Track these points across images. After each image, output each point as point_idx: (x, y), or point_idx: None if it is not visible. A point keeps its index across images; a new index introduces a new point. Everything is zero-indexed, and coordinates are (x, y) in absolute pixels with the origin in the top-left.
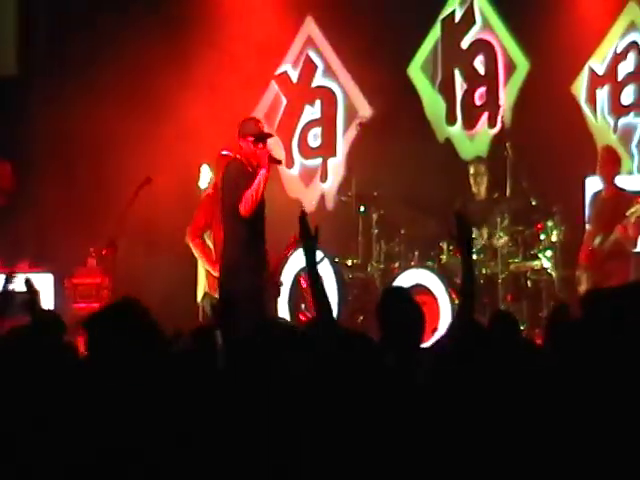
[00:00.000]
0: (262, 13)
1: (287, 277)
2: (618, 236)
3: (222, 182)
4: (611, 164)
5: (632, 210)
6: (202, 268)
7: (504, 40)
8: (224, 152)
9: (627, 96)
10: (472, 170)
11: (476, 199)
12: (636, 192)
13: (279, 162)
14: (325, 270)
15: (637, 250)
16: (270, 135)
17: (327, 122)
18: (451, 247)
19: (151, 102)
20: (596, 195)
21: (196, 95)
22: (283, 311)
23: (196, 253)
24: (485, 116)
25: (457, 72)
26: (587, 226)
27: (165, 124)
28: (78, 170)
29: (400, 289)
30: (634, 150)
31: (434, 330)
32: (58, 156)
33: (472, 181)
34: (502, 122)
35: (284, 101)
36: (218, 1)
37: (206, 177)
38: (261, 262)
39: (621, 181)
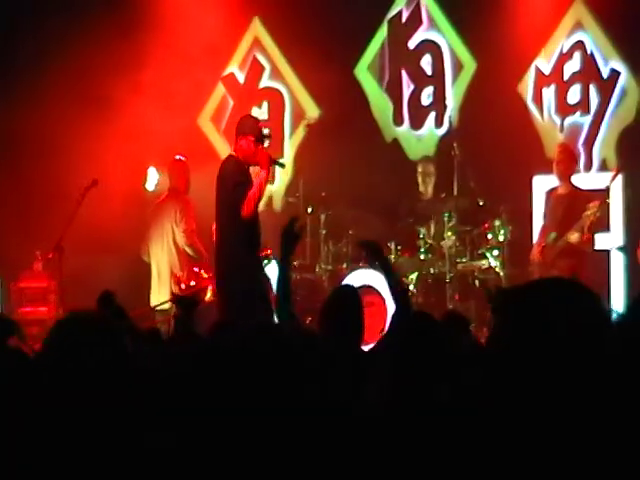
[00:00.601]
0: (210, 14)
1: None
2: (574, 241)
3: (219, 181)
4: (567, 162)
5: (587, 213)
6: (167, 272)
7: (451, 40)
8: (178, 157)
9: (573, 95)
10: (420, 169)
11: (423, 198)
12: (592, 191)
13: (282, 165)
14: (272, 271)
15: (592, 250)
16: (270, 137)
17: (274, 123)
18: (399, 247)
19: (99, 104)
20: (550, 192)
21: (144, 96)
22: None
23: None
24: (432, 116)
25: (404, 72)
26: (541, 222)
27: (113, 126)
28: (24, 172)
29: (349, 290)
30: (580, 149)
31: (381, 331)
32: (3, 158)
33: (420, 180)
34: (449, 122)
35: (231, 102)
36: (166, 3)
37: (153, 179)
38: (262, 260)
39: (577, 179)
